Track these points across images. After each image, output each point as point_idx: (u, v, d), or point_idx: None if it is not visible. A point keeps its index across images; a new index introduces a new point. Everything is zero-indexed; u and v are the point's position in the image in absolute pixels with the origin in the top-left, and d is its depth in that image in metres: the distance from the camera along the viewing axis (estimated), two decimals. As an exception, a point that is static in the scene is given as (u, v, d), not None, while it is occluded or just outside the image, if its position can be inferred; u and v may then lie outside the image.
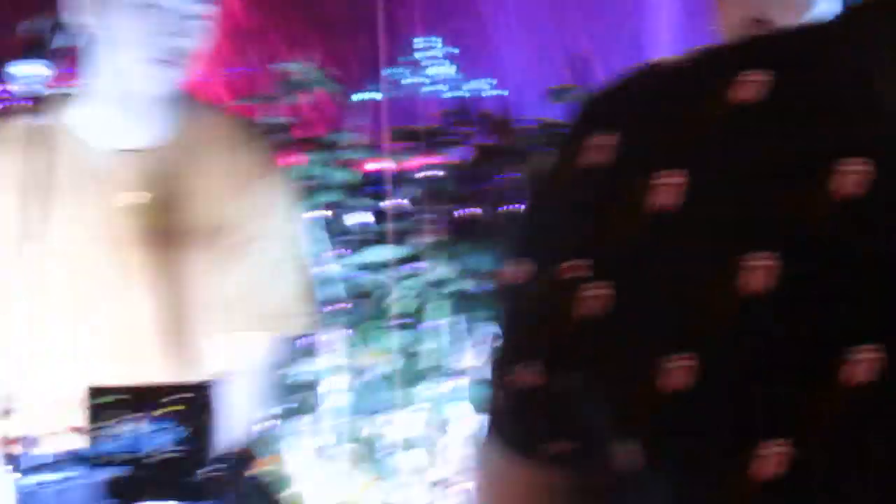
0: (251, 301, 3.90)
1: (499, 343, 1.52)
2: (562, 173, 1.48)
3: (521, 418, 1.53)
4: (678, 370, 1.35)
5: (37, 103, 3.70)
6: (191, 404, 3.01)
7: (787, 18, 3.59)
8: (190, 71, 3.92)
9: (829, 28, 1.45)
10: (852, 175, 1.31)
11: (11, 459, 3.25)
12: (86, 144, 3.88)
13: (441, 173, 6.14)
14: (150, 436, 2.97)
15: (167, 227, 3.91)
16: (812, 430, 1.33)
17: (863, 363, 1.29)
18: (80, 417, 2.97)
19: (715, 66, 1.45)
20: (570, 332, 1.43)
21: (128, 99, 3.84)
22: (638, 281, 1.40)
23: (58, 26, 3.77)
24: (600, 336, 1.41)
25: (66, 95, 3.91)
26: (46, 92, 3.84)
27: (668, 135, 1.42)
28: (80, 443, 2.97)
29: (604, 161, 1.42)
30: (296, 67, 6.06)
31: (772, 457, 1.32)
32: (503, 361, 1.51)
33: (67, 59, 3.98)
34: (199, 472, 2.99)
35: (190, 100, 4.02)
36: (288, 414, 5.62)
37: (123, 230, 3.87)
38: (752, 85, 1.38)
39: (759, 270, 1.32)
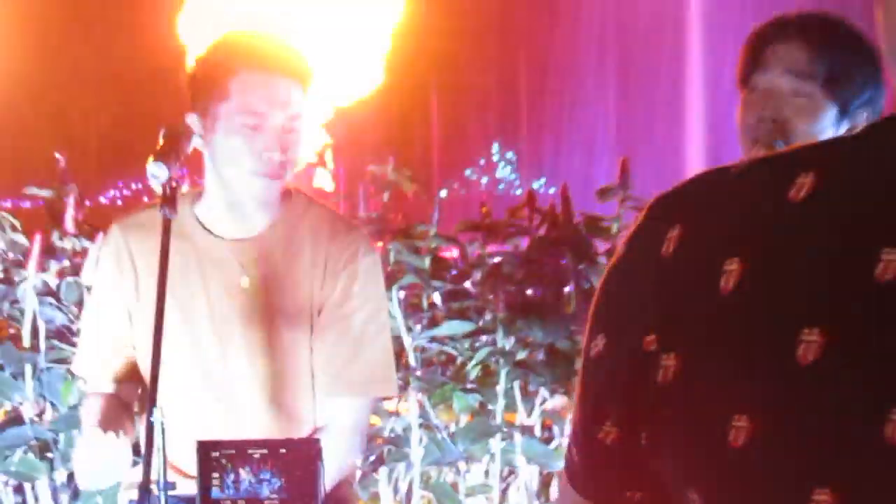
0: (342, 369, 3.96)
1: (577, 407, 1.52)
2: (636, 260, 1.47)
3: (596, 473, 1.52)
4: (738, 430, 1.33)
5: (170, 197, 3.66)
6: (298, 455, 3.06)
7: (800, 119, 3.63)
8: (292, 175, 4.03)
9: (867, 135, 1.39)
10: (894, 262, 1.28)
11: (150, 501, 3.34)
12: (207, 232, 4.02)
13: (502, 259, 6.15)
14: (262, 483, 3.04)
15: (270, 305, 4.00)
16: (854, 478, 1.28)
17: None
18: (196, 468, 3.05)
19: (770, 170, 1.43)
20: (644, 397, 1.42)
21: (235, 201, 4.02)
22: (703, 353, 1.37)
23: (189, 134, 3.93)
24: (669, 401, 1.40)
25: (195, 191, 4.11)
26: (180, 188, 3.80)
27: (729, 229, 1.40)
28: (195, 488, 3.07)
29: (671, 251, 1.41)
30: (386, 170, 6.17)
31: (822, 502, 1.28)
32: (583, 422, 1.51)
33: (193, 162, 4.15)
34: None
35: (296, 194, 4.10)
36: (373, 464, 5.72)
37: (233, 309, 4.02)
38: (803, 186, 1.37)
39: (813, 344, 1.29)
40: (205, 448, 3.00)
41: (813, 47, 3.65)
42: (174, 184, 3.70)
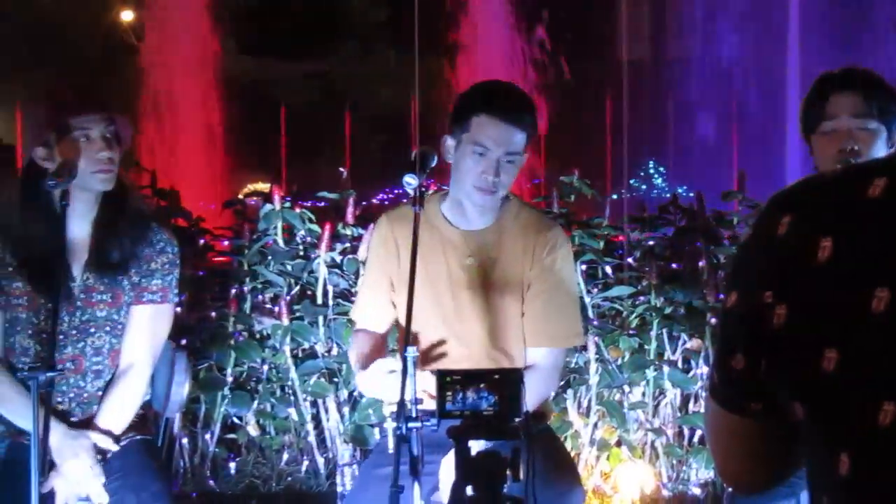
0: (544, 326, 3.98)
1: (718, 343, 1.55)
2: (759, 238, 1.49)
3: (729, 388, 1.53)
4: (828, 360, 1.36)
5: (419, 199, 3.69)
6: (507, 380, 3.01)
7: (868, 147, 3.65)
8: (504, 191, 3.98)
9: None
10: None
11: (400, 414, 3.33)
12: (447, 223, 4.03)
13: (654, 242, 6.15)
14: (481, 399, 3.05)
15: (487, 279, 4.00)
16: None
17: None
18: (435, 389, 3.01)
19: (855, 175, 1.43)
20: (762, 336, 1.44)
21: (465, 203, 4.02)
22: (805, 304, 1.40)
23: (431, 154, 3.90)
24: (779, 339, 1.42)
25: (443, 192, 4.12)
26: (426, 192, 3.93)
27: (825, 215, 1.42)
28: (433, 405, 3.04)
29: (784, 232, 1.44)
30: (573, 179, 6.15)
31: (891, 411, 1.32)
32: (720, 353, 1.53)
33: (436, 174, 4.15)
34: (513, 421, 2.97)
35: (513, 198, 4.08)
36: (562, 387, 5.68)
37: (463, 279, 4.03)
38: (878, 185, 1.39)
39: (883, 299, 1.33)
40: (441, 375, 2.98)
41: (864, 94, 3.68)
42: (422, 189, 3.73)
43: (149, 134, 11.02)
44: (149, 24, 12.35)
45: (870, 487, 1.36)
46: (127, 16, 13.84)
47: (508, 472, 2.92)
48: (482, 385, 2.99)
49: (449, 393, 2.99)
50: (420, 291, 3.74)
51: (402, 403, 3.40)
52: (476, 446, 2.97)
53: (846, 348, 1.35)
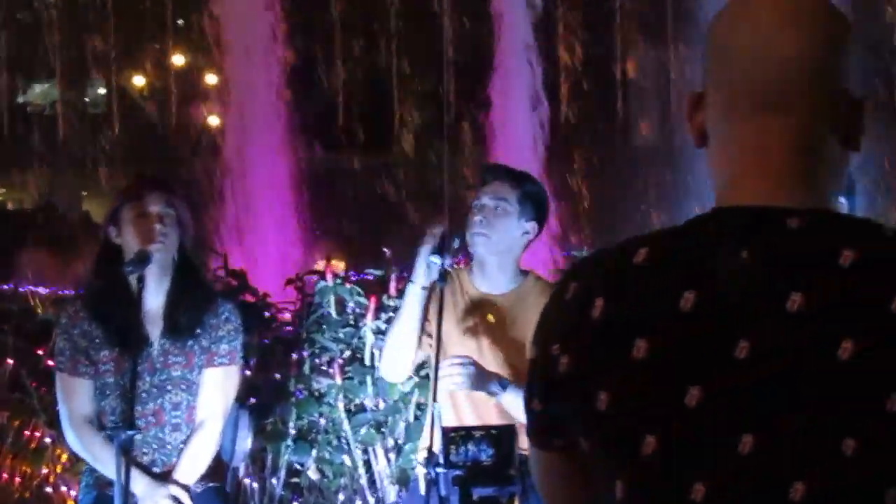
0: None
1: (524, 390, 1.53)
2: (553, 301, 1.49)
3: (534, 428, 1.51)
4: (601, 401, 1.37)
5: (442, 274, 3.82)
6: (503, 435, 3.04)
7: None
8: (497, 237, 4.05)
9: (692, 224, 1.41)
10: (688, 298, 1.34)
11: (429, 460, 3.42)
12: (472, 289, 4.10)
13: None
14: (481, 452, 3.07)
15: (503, 335, 4.05)
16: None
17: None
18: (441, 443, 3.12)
19: (627, 245, 1.42)
20: (551, 382, 1.44)
21: (485, 264, 4.09)
22: (582, 354, 1.40)
23: (452, 236, 3.97)
24: (563, 384, 1.42)
25: (462, 269, 4.17)
26: (459, 268, 4.09)
27: (599, 280, 1.43)
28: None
29: (570, 295, 1.45)
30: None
31: (651, 443, 1.34)
32: (524, 398, 1.52)
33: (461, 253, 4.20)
34: (509, 470, 3.05)
35: (531, 273, 4.16)
36: None
37: (484, 329, 4.06)
38: (641, 254, 1.40)
39: (642, 348, 1.34)
40: (445, 432, 3.05)
41: None
42: (446, 268, 3.86)
43: (228, 219, 11.18)
44: (229, 125, 12.52)
45: None
46: (214, 120, 14.04)
47: (507, 515, 2.93)
48: (482, 439, 3.02)
49: (453, 447, 3.04)
50: (448, 340, 3.85)
51: (430, 451, 3.45)
52: (478, 493, 3.03)
53: (614, 390, 1.36)
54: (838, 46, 1.41)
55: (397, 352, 4.03)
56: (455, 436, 3.05)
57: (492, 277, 4.09)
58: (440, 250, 3.88)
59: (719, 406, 1.30)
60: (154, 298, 4.03)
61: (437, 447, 3.43)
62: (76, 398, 4.01)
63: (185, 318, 4.02)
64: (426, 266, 3.91)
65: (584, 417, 1.40)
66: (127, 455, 3.62)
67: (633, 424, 1.35)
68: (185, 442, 4.05)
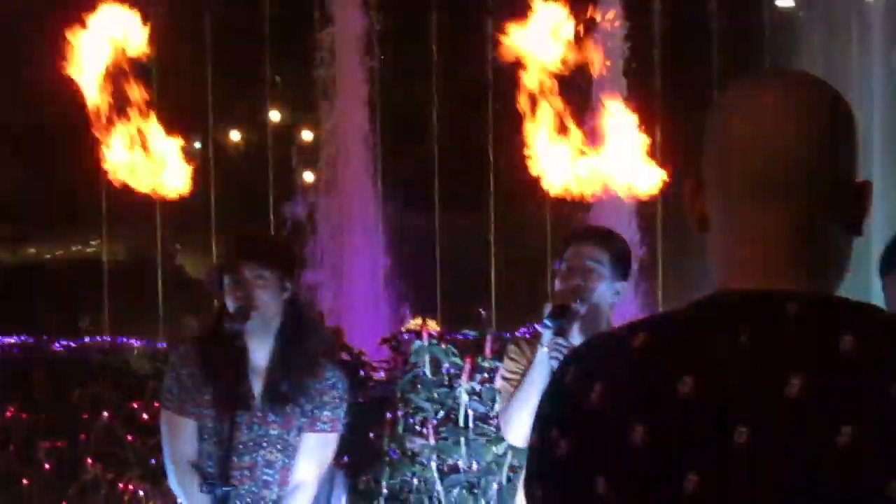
0: None
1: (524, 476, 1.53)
2: (552, 386, 1.49)
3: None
4: (599, 484, 1.36)
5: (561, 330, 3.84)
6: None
7: None
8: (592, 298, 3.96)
9: (691, 308, 1.42)
10: (687, 382, 1.34)
11: None
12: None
13: None
14: None
15: None
16: None
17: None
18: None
19: (626, 330, 1.44)
20: (551, 467, 1.44)
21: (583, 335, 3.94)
22: (580, 438, 1.39)
23: (572, 311, 3.89)
24: (561, 469, 1.42)
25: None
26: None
27: (598, 364, 1.43)
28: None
29: (569, 380, 1.45)
30: None
31: None
32: (524, 483, 1.50)
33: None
34: None
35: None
36: None
37: None
38: (640, 338, 1.40)
39: (638, 432, 1.34)
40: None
41: None
42: (557, 329, 3.84)
43: (322, 276, 11.34)
44: (324, 181, 12.71)
45: None
46: (307, 176, 14.27)
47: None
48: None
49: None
50: None
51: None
52: None
53: (612, 476, 1.36)
54: (840, 138, 1.43)
55: (526, 413, 3.97)
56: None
57: (587, 338, 4.06)
58: (556, 316, 3.89)
59: (718, 493, 1.31)
60: (260, 354, 4.11)
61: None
62: (180, 438, 4.09)
63: (284, 386, 4.05)
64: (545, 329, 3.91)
65: (583, 502, 1.39)
66: (223, 510, 3.72)
67: None
68: (277, 500, 4.10)
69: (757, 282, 1.40)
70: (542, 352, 3.89)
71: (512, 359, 4.18)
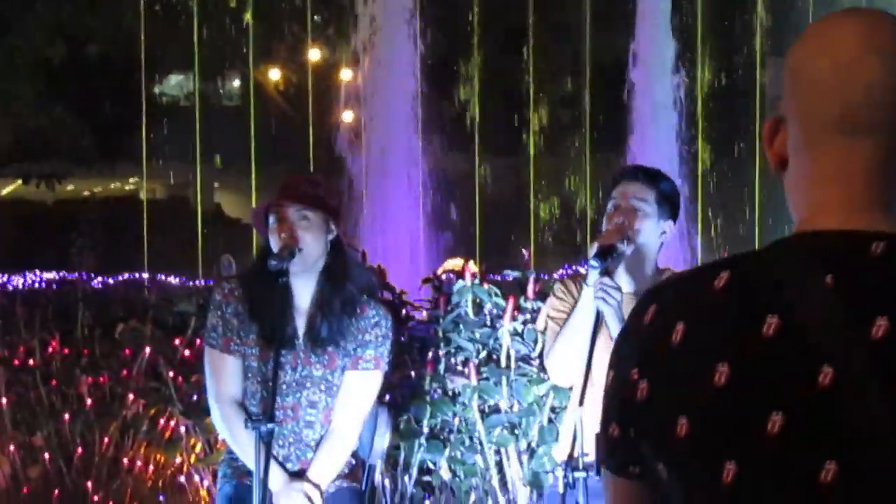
0: None
1: (601, 414, 1.53)
2: (631, 325, 1.50)
3: (611, 454, 1.50)
4: (680, 426, 1.38)
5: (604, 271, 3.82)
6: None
7: None
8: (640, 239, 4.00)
9: (773, 248, 1.42)
10: (771, 323, 1.34)
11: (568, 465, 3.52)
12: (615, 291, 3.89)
13: None
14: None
15: None
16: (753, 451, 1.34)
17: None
18: None
19: (707, 269, 1.44)
20: (630, 408, 1.45)
21: (628, 275, 4.03)
22: (662, 379, 1.41)
23: (613, 249, 3.86)
24: (642, 410, 1.43)
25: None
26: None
27: (679, 304, 1.44)
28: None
29: (649, 319, 1.46)
30: None
31: (731, 470, 1.34)
32: (601, 423, 1.51)
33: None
34: None
35: (665, 271, 4.07)
36: None
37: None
38: (723, 277, 1.40)
39: (723, 373, 1.35)
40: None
41: None
42: (603, 269, 3.82)
43: (364, 217, 11.35)
44: (368, 124, 12.69)
45: None
46: (347, 116, 14.23)
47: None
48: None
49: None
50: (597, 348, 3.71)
51: (570, 456, 3.51)
52: None
53: (694, 416, 1.37)
54: None
55: (571, 352, 3.95)
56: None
57: (632, 278, 4.04)
58: (601, 256, 3.85)
59: (801, 433, 1.31)
60: (303, 295, 4.13)
61: (578, 453, 3.47)
62: (224, 375, 4.11)
63: (324, 329, 4.07)
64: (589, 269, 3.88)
65: (663, 444, 1.41)
66: (267, 448, 3.76)
67: (714, 451, 1.36)
68: (319, 440, 4.14)
69: (840, 221, 1.39)
70: (588, 291, 3.87)
71: (559, 297, 4.18)
